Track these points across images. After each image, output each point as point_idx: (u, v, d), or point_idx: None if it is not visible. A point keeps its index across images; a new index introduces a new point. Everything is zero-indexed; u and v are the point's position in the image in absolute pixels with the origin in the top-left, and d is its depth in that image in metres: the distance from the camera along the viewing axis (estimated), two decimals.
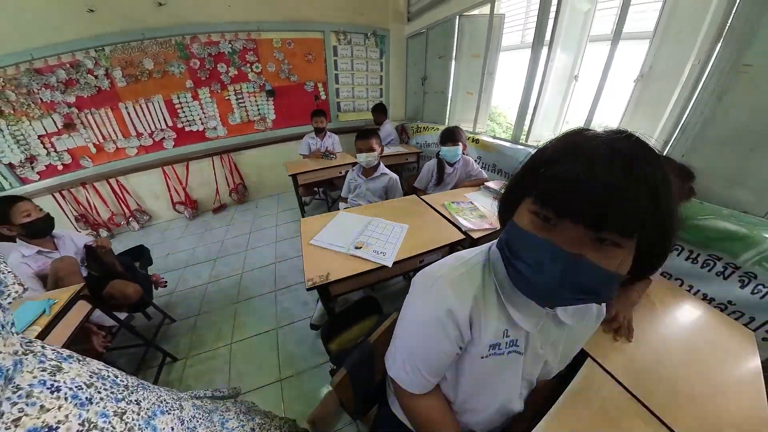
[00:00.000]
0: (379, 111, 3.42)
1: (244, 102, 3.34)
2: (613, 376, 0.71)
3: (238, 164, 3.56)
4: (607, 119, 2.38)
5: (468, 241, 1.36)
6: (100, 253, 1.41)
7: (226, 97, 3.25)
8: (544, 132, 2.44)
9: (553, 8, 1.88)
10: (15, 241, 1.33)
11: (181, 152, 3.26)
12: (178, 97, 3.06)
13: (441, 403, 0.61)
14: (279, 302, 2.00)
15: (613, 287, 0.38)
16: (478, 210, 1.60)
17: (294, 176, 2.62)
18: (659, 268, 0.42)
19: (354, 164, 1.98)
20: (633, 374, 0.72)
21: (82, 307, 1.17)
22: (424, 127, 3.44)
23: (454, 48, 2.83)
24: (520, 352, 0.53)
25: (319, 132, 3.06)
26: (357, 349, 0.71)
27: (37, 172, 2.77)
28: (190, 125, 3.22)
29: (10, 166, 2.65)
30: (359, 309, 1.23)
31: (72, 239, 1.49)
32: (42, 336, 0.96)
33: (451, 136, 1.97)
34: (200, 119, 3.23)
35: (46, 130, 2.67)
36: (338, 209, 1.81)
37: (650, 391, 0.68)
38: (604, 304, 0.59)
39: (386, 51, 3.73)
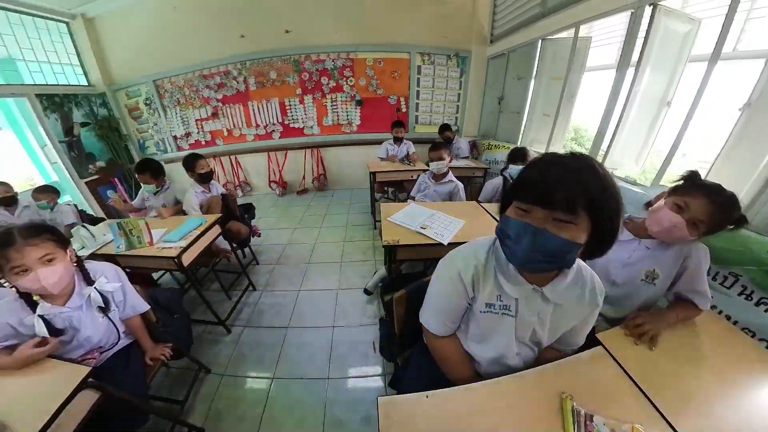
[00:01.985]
0: (445, 129, 3.57)
1: (337, 108, 3.99)
2: (620, 364, 0.74)
3: (323, 158, 4.22)
4: (703, 151, 2.06)
5: None
6: (229, 199, 1.97)
7: (324, 104, 3.94)
8: (624, 159, 2.25)
9: (643, 30, 1.82)
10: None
11: (283, 143, 4.09)
12: (289, 101, 3.88)
13: (456, 344, 0.81)
14: (342, 271, 2.35)
15: (571, 252, 0.53)
16: None
17: (373, 173, 2.97)
18: (611, 244, 0.55)
19: (425, 170, 2.24)
20: (643, 370, 0.73)
21: (216, 230, 1.72)
22: (495, 145, 3.53)
23: (534, 70, 2.89)
24: (511, 315, 0.70)
25: (397, 140, 3.40)
26: (416, 282, 0.96)
27: (189, 144, 3.92)
28: (294, 123, 4.01)
29: (174, 137, 3.82)
30: (413, 278, 1.47)
31: (216, 187, 2.13)
32: (201, 234, 1.53)
33: (521, 155, 2.06)
34: (302, 119, 4.00)
35: (200, 116, 3.79)
36: None
37: (658, 387, 0.69)
38: (600, 297, 0.70)
39: (466, 71, 3.97)
